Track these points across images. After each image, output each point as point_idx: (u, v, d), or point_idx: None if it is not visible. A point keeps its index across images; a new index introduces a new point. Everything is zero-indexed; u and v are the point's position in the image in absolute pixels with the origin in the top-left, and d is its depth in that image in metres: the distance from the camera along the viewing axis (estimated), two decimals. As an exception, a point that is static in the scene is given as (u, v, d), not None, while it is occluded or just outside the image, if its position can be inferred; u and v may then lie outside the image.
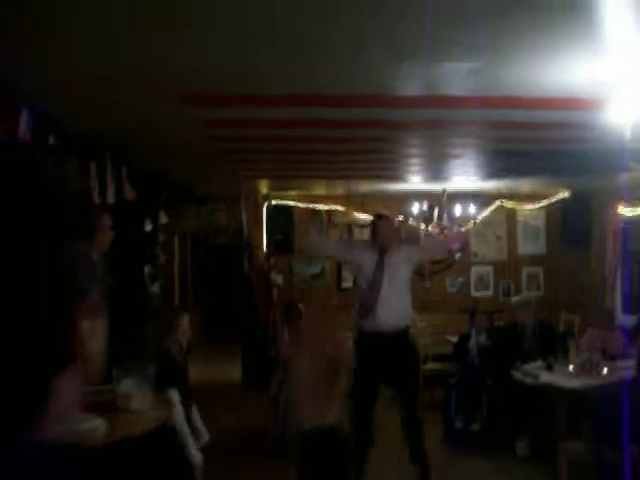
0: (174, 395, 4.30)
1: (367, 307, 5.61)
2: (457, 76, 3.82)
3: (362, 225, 10.46)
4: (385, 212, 6.49)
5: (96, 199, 5.23)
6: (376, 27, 3.00)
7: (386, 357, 5.64)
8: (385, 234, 5.71)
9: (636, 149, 3.37)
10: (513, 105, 4.42)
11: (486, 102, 4.34)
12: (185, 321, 4.68)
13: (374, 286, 5.59)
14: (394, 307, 5.62)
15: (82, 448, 2.86)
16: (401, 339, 5.72)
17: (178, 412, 4.48)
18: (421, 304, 10.15)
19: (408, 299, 5.83)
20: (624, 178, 6.91)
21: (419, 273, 10.23)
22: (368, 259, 5.69)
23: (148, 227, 6.80)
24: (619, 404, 3.24)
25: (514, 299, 7.92)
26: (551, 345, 7.03)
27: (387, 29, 3.03)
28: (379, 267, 5.62)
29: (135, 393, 3.43)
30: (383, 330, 5.59)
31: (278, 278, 10.19)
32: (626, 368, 6.23)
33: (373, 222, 5.94)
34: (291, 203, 10.50)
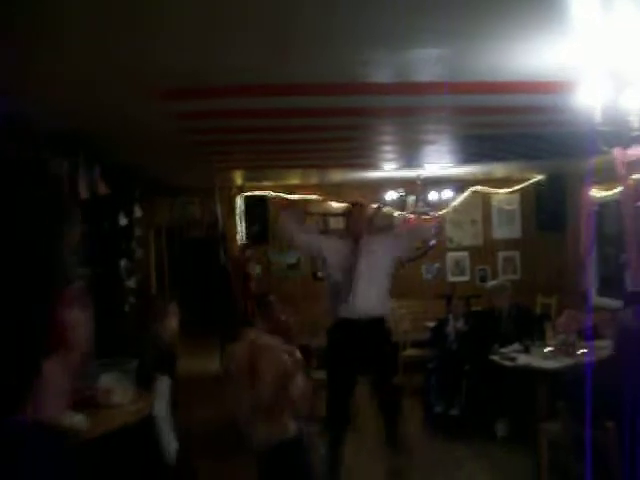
0: (164, 382, 4.22)
1: (342, 293, 5.60)
2: (426, 62, 3.84)
3: (338, 214, 10.47)
4: (359, 200, 6.49)
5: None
6: (344, 14, 3.01)
7: (362, 345, 5.63)
8: (357, 221, 5.72)
9: (606, 132, 3.40)
10: (484, 90, 4.44)
11: (457, 88, 4.36)
12: (174, 307, 4.64)
13: (350, 272, 5.59)
14: (370, 294, 5.61)
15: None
16: (376, 327, 5.69)
17: (164, 400, 4.38)
18: (398, 291, 10.19)
19: (385, 288, 5.82)
20: (592, 162, 6.96)
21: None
22: (342, 247, 5.69)
23: (123, 221, 6.76)
24: (593, 382, 3.28)
25: (489, 284, 7.97)
26: (528, 328, 7.08)
27: (355, 16, 3.03)
28: (354, 254, 5.62)
29: (115, 388, 3.42)
30: (359, 317, 5.57)
31: (257, 269, 10.18)
32: (602, 348, 6.32)
33: (347, 210, 5.96)
34: (266, 193, 10.48)
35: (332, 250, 5.74)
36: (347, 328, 5.63)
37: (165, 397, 4.33)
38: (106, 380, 3.42)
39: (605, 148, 3.44)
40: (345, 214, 5.98)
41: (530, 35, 3.37)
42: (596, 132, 3.40)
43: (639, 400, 3.08)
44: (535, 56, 3.72)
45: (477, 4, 2.93)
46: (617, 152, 3.58)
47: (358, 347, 5.64)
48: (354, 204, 6.00)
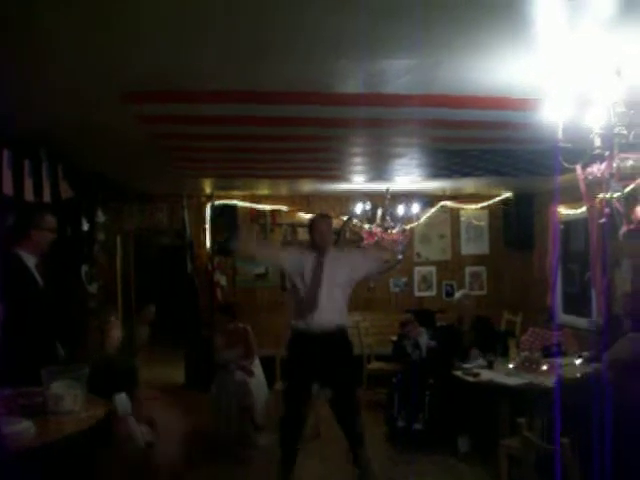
0: (121, 400, 4.08)
1: (307, 305, 5.59)
2: (394, 74, 3.84)
3: (306, 225, 10.46)
4: (323, 213, 6.53)
5: (30, 197, 5.11)
6: (315, 23, 3.00)
7: (322, 356, 5.62)
8: (323, 233, 5.71)
9: (568, 148, 3.42)
10: (450, 104, 4.46)
11: (423, 100, 4.38)
12: (115, 318, 4.54)
13: (314, 284, 5.57)
14: (332, 306, 5.61)
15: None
16: (337, 337, 5.69)
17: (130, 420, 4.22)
18: (365, 304, 10.19)
19: (345, 302, 5.80)
20: (559, 179, 7.03)
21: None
22: (307, 260, 5.68)
23: (85, 226, 6.68)
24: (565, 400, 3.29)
25: (457, 294, 7.97)
26: (489, 340, 7.10)
27: (325, 25, 3.03)
28: (318, 265, 5.61)
29: (66, 394, 3.34)
30: (321, 330, 5.57)
31: (222, 279, 10.11)
32: (566, 366, 6.36)
33: (311, 222, 5.94)
34: (235, 203, 10.42)
35: (294, 263, 5.72)
36: (308, 341, 5.62)
37: (129, 414, 4.21)
38: (57, 387, 3.35)
39: (567, 165, 3.46)
40: (309, 226, 5.95)
41: (496, 51, 3.40)
42: (558, 148, 3.41)
43: (596, 417, 3.08)
44: (501, 72, 3.75)
45: (446, 18, 2.95)
46: (579, 169, 3.60)
47: (319, 360, 5.64)
48: (318, 216, 6.02)
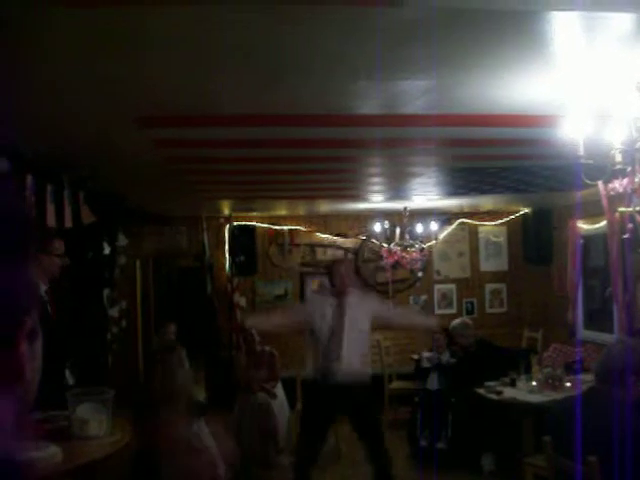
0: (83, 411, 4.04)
1: (326, 354, 5.48)
2: (412, 94, 3.84)
3: (324, 245, 10.48)
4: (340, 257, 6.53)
5: (52, 223, 5.15)
6: (331, 45, 3.01)
7: (345, 408, 5.57)
8: (343, 277, 5.67)
9: (589, 165, 3.41)
10: (469, 123, 4.45)
11: (442, 120, 4.37)
12: (172, 329, 4.48)
13: (335, 331, 5.48)
14: (354, 353, 5.50)
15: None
16: (361, 389, 5.56)
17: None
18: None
19: (367, 348, 5.75)
20: (579, 195, 7.00)
21: (383, 292, 10.30)
22: (328, 307, 5.59)
23: (106, 250, 6.71)
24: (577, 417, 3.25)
25: (452, 324, 7.91)
26: (494, 363, 7.04)
27: (342, 47, 3.03)
28: (340, 311, 5.53)
29: (91, 419, 3.35)
30: (344, 378, 5.43)
31: (241, 300, 10.12)
32: (589, 382, 6.29)
33: (330, 266, 5.91)
34: (253, 224, 10.45)
35: (313, 313, 5.65)
36: (329, 390, 5.47)
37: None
38: (82, 411, 3.35)
39: (588, 181, 3.45)
40: (328, 270, 5.90)
41: (515, 69, 3.39)
42: (579, 165, 3.40)
43: (623, 434, 3.05)
44: (520, 90, 3.74)
45: (463, 38, 2.94)
46: (601, 185, 3.59)
47: (341, 409, 5.60)
48: (336, 260, 6.00)
